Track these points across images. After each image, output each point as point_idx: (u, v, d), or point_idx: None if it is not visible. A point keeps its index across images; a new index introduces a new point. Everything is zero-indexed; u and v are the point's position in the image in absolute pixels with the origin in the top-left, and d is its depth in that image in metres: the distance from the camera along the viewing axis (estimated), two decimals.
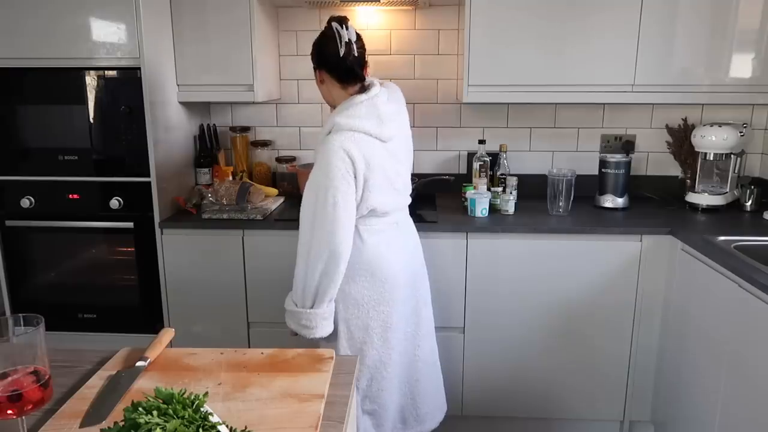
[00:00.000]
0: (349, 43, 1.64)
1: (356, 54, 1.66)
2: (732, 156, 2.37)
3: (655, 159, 2.67)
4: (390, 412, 1.81)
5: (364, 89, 1.69)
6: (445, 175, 2.61)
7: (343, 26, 1.64)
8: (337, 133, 1.60)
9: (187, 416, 0.77)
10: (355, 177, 1.59)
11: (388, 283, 1.73)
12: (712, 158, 2.37)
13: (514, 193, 2.38)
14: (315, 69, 1.73)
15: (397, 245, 1.78)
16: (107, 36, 2.10)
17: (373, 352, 1.74)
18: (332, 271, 1.60)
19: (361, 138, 1.61)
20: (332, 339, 1.72)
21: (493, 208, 2.32)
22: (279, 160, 2.67)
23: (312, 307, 1.64)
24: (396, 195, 1.75)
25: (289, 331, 1.73)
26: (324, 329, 1.67)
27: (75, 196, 2.25)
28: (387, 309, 1.74)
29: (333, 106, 1.74)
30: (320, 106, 2.69)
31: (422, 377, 1.88)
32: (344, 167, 1.57)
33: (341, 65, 1.66)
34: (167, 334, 1.22)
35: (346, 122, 1.61)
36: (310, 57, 1.74)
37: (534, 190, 2.52)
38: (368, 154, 1.60)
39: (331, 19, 1.68)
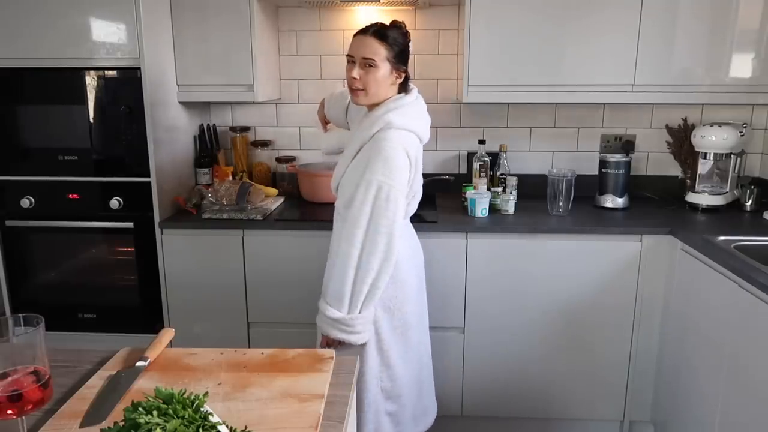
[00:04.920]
0: None
1: None
2: (732, 156, 2.37)
3: (655, 159, 2.67)
4: (407, 411, 1.82)
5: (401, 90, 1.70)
6: (445, 175, 2.61)
7: None
8: (391, 130, 1.57)
9: (187, 416, 0.77)
10: (408, 178, 1.60)
11: (407, 284, 1.74)
12: (712, 158, 2.37)
13: (514, 193, 2.37)
14: (397, 68, 1.63)
15: (410, 246, 1.79)
16: (107, 36, 2.10)
17: (396, 353, 1.74)
18: (385, 273, 1.57)
19: (413, 138, 1.61)
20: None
21: (493, 208, 2.32)
22: (279, 160, 2.67)
23: (361, 311, 1.60)
24: (419, 197, 1.76)
25: (323, 341, 1.67)
26: (369, 332, 1.65)
27: (75, 196, 2.25)
28: (407, 309, 1.74)
29: (368, 105, 1.68)
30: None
31: (424, 372, 1.90)
32: (405, 167, 1.57)
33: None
34: (167, 334, 1.22)
35: (402, 122, 1.58)
36: (400, 53, 1.63)
37: (534, 190, 2.52)
38: (416, 156, 1.61)
39: (400, 22, 1.68)
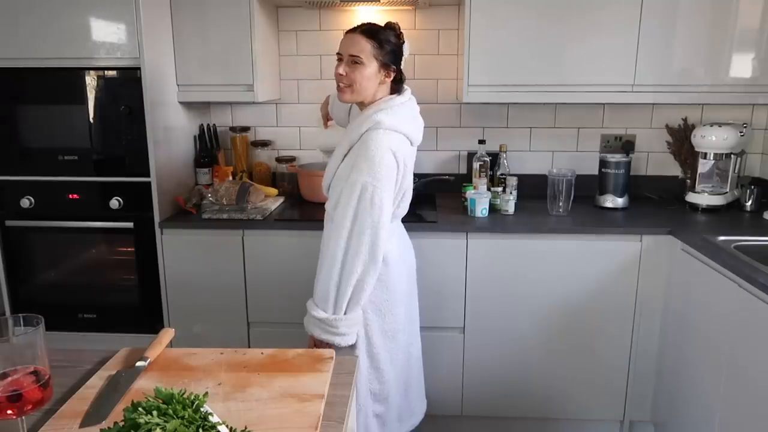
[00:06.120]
0: None
1: None
2: (732, 156, 2.37)
3: (655, 159, 2.67)
4: (393, 412, 1.82)
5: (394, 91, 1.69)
6: (445, 175, 2.61)
7: None
8: (380, 131, 1.56)
9: (187, 416, 0.77)
10: (396, 180, 1.58)
11: (398, 286, 1.73)
12: (712, 158, 2.37)
13: (514, 193, 2.37)
14: (386, 66, 1.61)
15: (401, 247, 1.79)
16: (107, 36, 2.10)
17: (386, 355, 1.73)
18: (370, 275, 1.56)
19: (402, 140, 1.60)
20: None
21: (493, 208, 2.32)
22: (279, 160, 2.67)
23: (346, 313, 1.59)
24: (409, 199, 1.76)
25: (310, 342, 1.67)
26: (355, 335, 1.63)
27: (75, 196, 2.25)
28: (398, 311, 1.74)
29: (357, 103, 1.69)
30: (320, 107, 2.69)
31: (413, 373, 1.89)
32: (392, 168, 1.55)
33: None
34: (167, 334, 1.22)
35: (391, 122, 1.58)
36: (390, 52, 1.62)
37: (534, 190, 2.52)
38: (405, 157, 1.60)
39: (394, 23, 1.67)
